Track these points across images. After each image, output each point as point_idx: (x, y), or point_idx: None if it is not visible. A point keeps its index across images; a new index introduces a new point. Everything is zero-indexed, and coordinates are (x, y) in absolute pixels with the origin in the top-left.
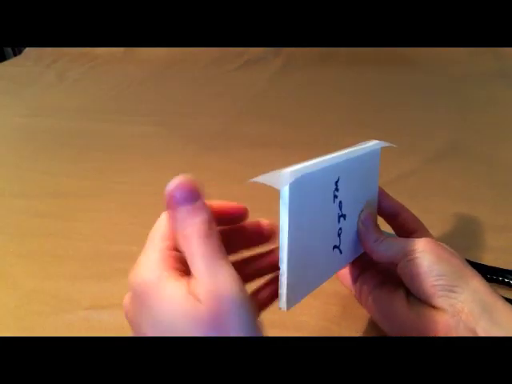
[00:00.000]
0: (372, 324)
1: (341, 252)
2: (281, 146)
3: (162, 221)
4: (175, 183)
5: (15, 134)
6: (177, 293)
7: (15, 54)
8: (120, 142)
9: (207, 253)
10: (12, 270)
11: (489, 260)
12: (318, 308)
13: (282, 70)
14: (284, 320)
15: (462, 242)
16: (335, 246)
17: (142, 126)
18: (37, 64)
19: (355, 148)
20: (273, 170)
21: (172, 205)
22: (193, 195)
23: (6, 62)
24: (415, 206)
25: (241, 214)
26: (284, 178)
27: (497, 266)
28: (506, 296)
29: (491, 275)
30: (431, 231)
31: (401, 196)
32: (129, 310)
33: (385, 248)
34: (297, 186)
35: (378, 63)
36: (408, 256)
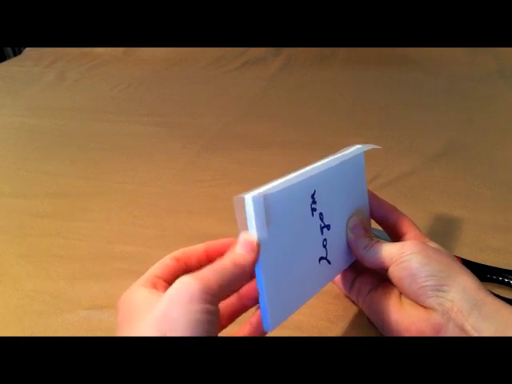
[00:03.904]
0: (371, 324)
1: (329, 262)
2: (281, 146)
3: (158, 264)
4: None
5: (15, 133)
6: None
7: (15, 54)
8: (120, 142)
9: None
10: (12, 270)
11: (489, 260)
12: (318, 308)
13: (282, 70)
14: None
15: (462, 241)
16: (322, 258)
17: (142, 125)
18: (37, 64)
19: (335, 156)
20: (273, 169)
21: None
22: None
23: (5, 62)
24: (415, 206)
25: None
26: (247, 202)
27: (497, 265)
28: (505, 296)
29: (491, 275)
30: (431, 231)
31: (401, 196)
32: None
33: (373, 254)
34: (261, 207)
35: (377, 63)
36: (396, 260)
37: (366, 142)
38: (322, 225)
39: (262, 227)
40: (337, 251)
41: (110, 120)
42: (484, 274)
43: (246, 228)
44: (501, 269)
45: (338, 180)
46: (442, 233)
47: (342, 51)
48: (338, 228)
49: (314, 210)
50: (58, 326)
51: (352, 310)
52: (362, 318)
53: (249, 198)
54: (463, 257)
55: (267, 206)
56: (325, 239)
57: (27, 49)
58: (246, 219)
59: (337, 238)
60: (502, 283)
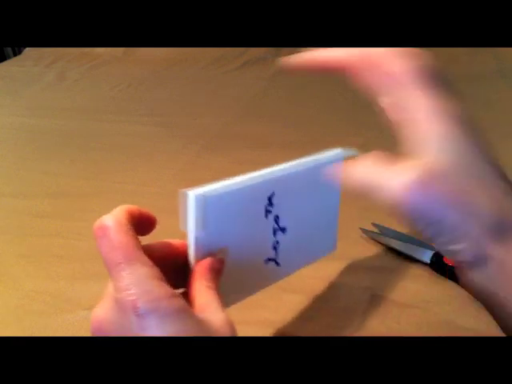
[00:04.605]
0: (371, 324)
1: (278, 264)
2: (281, 146)
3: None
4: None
5: (15, 133)
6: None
7: (15, 54)
8: (120, 142)
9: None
10: (12, 270)
11: None
12: (317, 308)
13: (282, 70)
14: (283, 319)
15: None
16: (270, 259)
17: (142, 125)
18: (37, 64)
19: (310, 158)
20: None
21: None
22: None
23: (5, 62)
24: None
25: (151, 223)
26: (189, 199)
27: None
28: None
29: None
30: None
31: None
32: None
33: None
34: (202, 207)
35: None
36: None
37: (343, 146)
38: (277, 227)
39: (200, 226)
40: (290, 254)
41: (110, 120)
42: None
43: (185, 222)
44: None
45: (305, 184)
46: None
47: None
48: (295, 231)
49: (268, 211)
50: (58, 326)
51: (351, 310)
52: (361, 318)
53: (192, 195)
54: None
55: (209, 206)
56: (277, 241)
57: (27, 49)
58: (186, 215)
59: (292, 241)
60: None
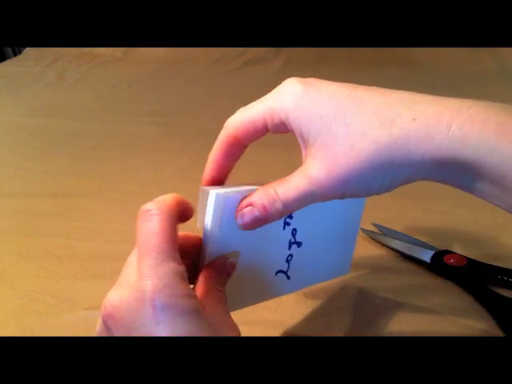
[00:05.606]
0: (371, 324)
1: (288, 277)
2: (281, 146)
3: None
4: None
5: (15, 133)
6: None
7: (15, 54)
8: (120, 141)
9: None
10: (12, 270)
11: (489, 260)
12: (317, 307)
13: (282, 70)
14: (283, 320)
15: (463, 241)
16: (280, 271)
17: (142, 125)
18: (37, 64)
19: None
20: (272, 169)
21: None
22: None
23: (5, 62)
24: (415, 206)
25: (189, 213)
26: (210, 197)
27: (497, 265)
28: (506, 296)
29: (493, 275)
30: (430, 230)
31: (400, 195)
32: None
33: None
34: (220, 207)
35: (377, 63)
36: None
37: None
38: (293, 240)
39: (216, 225)
40: (301, 270)
41: (110, 120)
42: (485, 273)
43: (202, 219)
44: (502, 268)
45: (328, 203)
46: (442, 232)
47: (342, 51)
48: (310, 248)
49: (287, 223)
50: (58, 326)
51: (351, 310)
52: (360, 318)
53: (213, 193)
54: (464, 255)
55: (228, 207)
56: (290, 255)
57: (27, 49)
58: (204, 213)
59: (306, 257)
60: (503, 283)
